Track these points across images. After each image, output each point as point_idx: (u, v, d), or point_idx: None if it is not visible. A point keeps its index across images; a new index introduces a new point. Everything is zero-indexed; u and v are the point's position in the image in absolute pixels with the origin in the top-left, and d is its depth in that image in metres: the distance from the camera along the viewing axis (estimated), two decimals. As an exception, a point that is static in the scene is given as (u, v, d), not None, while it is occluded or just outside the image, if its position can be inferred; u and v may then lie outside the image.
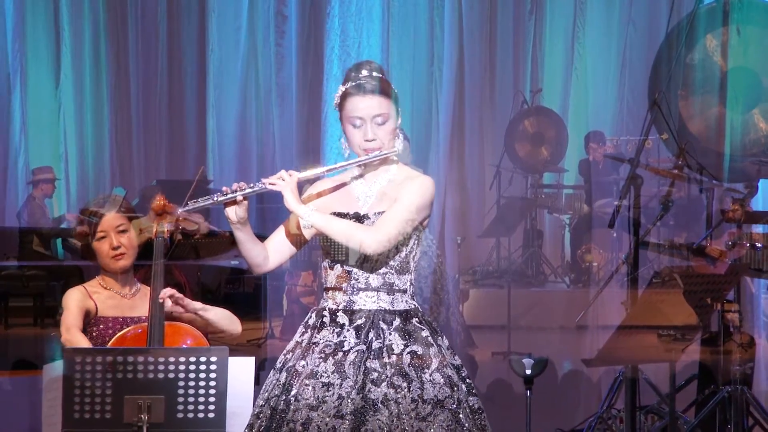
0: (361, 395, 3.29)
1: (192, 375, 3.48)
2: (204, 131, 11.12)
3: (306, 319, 3.52)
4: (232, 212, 3.42)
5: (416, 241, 3.49)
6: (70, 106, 11.01)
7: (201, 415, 3.46)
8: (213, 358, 3.48)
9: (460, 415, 3.35)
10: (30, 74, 10.87)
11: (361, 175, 3.55)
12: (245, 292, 10.03)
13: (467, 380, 3.44)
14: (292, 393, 3.36)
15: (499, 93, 11.34)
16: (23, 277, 9.23)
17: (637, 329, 4.49)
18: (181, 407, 3.46)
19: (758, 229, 5.56)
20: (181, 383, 3.49)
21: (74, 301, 4.21)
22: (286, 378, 3.41)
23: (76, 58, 11.02)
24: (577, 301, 9.25)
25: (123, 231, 4.23)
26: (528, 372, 4.74)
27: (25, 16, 10.89)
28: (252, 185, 3.41)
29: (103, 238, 4.22)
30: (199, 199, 3.44)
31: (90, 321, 4.21)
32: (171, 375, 3.47)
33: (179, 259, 7.81)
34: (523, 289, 9.88)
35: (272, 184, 3.39)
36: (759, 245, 5.29)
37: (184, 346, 3.95)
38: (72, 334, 4.11)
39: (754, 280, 7.52)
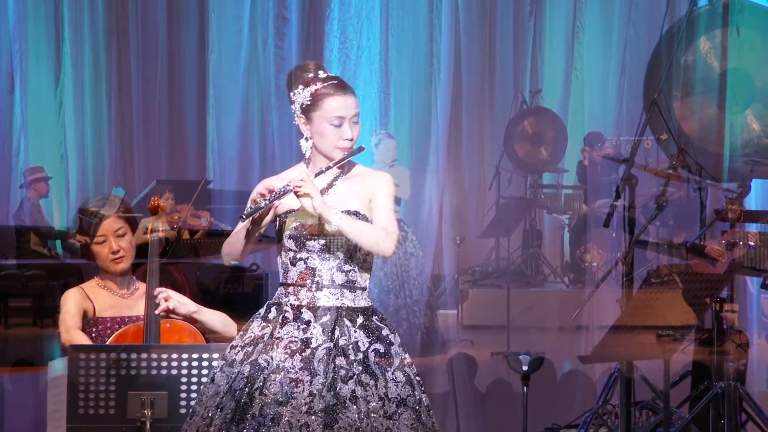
0: (332, 392, 3.30)
1: (194, 371, 3.55)
2: (204, 132, 11.14)
3: (264, 313, 3.49)
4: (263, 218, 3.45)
5: None
6: (70, 106, 11.02)
7: (197, 411, 3.51)
8: (215, 355, 3.55)
9: (422, 414, 3.38)
10: (30, 74, 10.89)
11: (321, 171, 3.53)
12: (245, 292, 10.04)
13: (417, 377, 3.47)
14: (255, 387, 3.33)
15: (498, 93, 11.36)
16: (23, 277, 9.25)
17: (633, 327, 4.53)
18: (183, 403, 3.53)
19: (751, 227, 5.61)
20: (184, 379, 3.56)
21: (72, 301, 4.26)
22: (249, 371, 3.36)
23: (76, 58, 11.04)
24: (577, 302, 9.25)
25: (122, 235, 4.27)
26: (525, 369, 4.78)
27: (26, 16, 10.92)
28: (281, 189, 3.40)
29: (103, 242, 4.27)
30: (252, 205, 3.41)
31: (88, 322, 4.26)
32: (174, 371, 3.54)
33: (179, 258, 7.85)
34: (522, 289, 9.90)
35: (298, 187, 3.37)
36: (752, 244, 5.35)
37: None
38: (72, 335, 4.16)
39: (753, 280, 7.57)
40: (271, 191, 3.41)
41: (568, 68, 11.23)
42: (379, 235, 3.41)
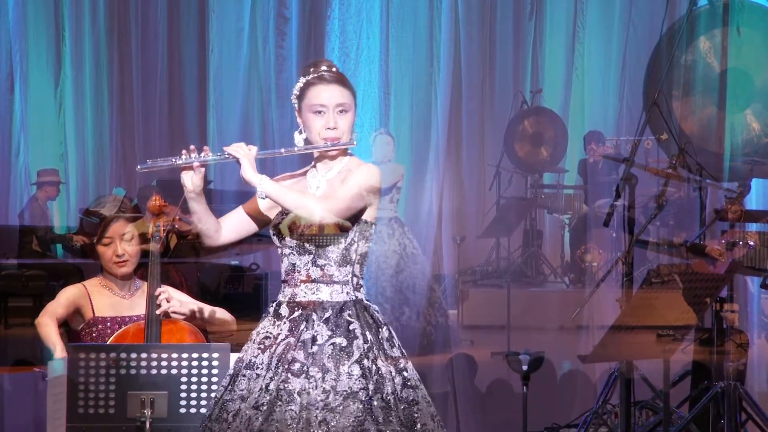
0: (277, 386, 3.32)
1: (194, 371, 3.55)
2: (205, 132, 11.16)
3: (268, 310, 3.55)
4: (188, 179, 3.48)
5: (358, 234, 3.50)
6: (70, 106, 11.03)
7: (203, 410, 3.53)
8: (215, 355, 3.56)
9: (374, 408, 3.34)
10: (30, 74, 10.90)
11: (314, 166, 3.60)
12: (245, 292, 10.04)
13: (404, 372, 3.45)
14: (236, 384, 3.40)
15: (498, 93, 11.36)
16: (23, 277, 9.26)
17: (633, 327, 4.53)
18: (183, 403, 3.53)
19: (752, 227, 5.61)
20: (184, 379, 3.56)
21: (66, 294, 4.29)
22: (234, 368, 3.44)
23: (76, 58, 11.05)
24: (577, 301, 9.21)
25: (129, 239, 4.29)
26: (525, 368, 4.79)
27: (26, 16, 10.93)
28: (213, 155, 3.45)
29: (109, 243, 4.28)
30: (159, 159, 3.46)
31: (89, 321, 4.27)
32: (174, 371, 3.54)
33: (179, 258, 7.86)
34: (522, 289, 9.89)
35: (230, 156, 3.43)
36: (752, 243, 5.35)
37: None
38: (43, 319, 4.17)
39: (753, 280, 7.57)
40: (195, 150, 3.45)
41: (568, 68, 11.24)
42: (305, 200, 3.43)
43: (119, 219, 4.30)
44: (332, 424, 3.28)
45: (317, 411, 3.29)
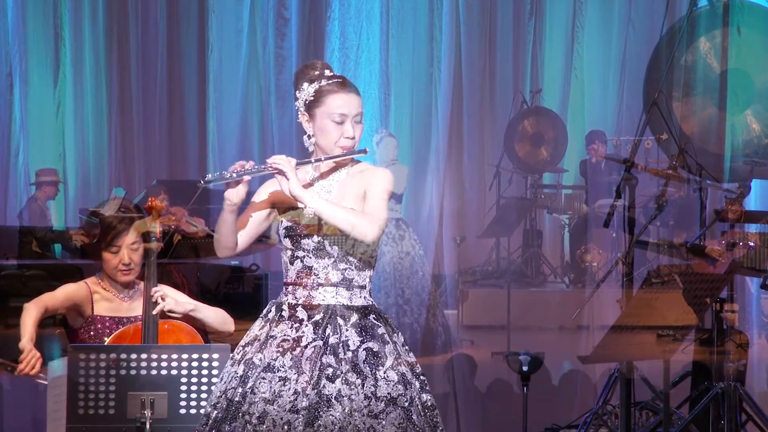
0: (315, 390, 3.30)
1: (194, 372, 3.55)
2: (204, 132, 11.15)
3: (265, 312, 3.51)
4: (234, 193, 3.43)
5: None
6: (69, 106, 11.02)
7: (203, 411, 3.53)
8: (215, 356, 3.56)
9: (413, 413, 3.35)
10: (30, 74, 10.90)
11: (321, 175, 3.56)
12: (245, 292, 10.04)
13: (421, 377, 3.46)
14: (249, 385, 3.35)
15: (498, 93, 11.37)
16: (23, 277, 9.26)
17: (633, 327, 4.54)
18: (183, 403, 3.54)
19: (751, 228, 5.62)
20: (184, 380, 3.56)
21: (66, 290, 4.28)
22: (243, 370, 3.40)
23: (76, 58, 11.04)
24: (577, 302, 9.25)
25: (135, 249, 4.29)
26: (525, 369, 4.79)
27: (25, 16, 10.92)
28: (257, 167, 3.41)
29: (116, 252, 4.28)
30: (216, 174, 3.42)
31: (87, 320, 4.27)
32: (174, 372, 3.55)
33: (179, 259, 7.85)
34: (522, 289, 9.90)
35: (272, 168, 3.38)
36: (752, 244, 5.35)
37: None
38: (31, 304, 4.18)
39: (753, 280, 7.58)
40: (242, 166, 3.41)
41: (568, 68, 11.24)
42: (358, 219, 3.38)
43: (128, 230, 4.29)
44: (378, 430, 3.28)
45: (363, 417, 3.29)
